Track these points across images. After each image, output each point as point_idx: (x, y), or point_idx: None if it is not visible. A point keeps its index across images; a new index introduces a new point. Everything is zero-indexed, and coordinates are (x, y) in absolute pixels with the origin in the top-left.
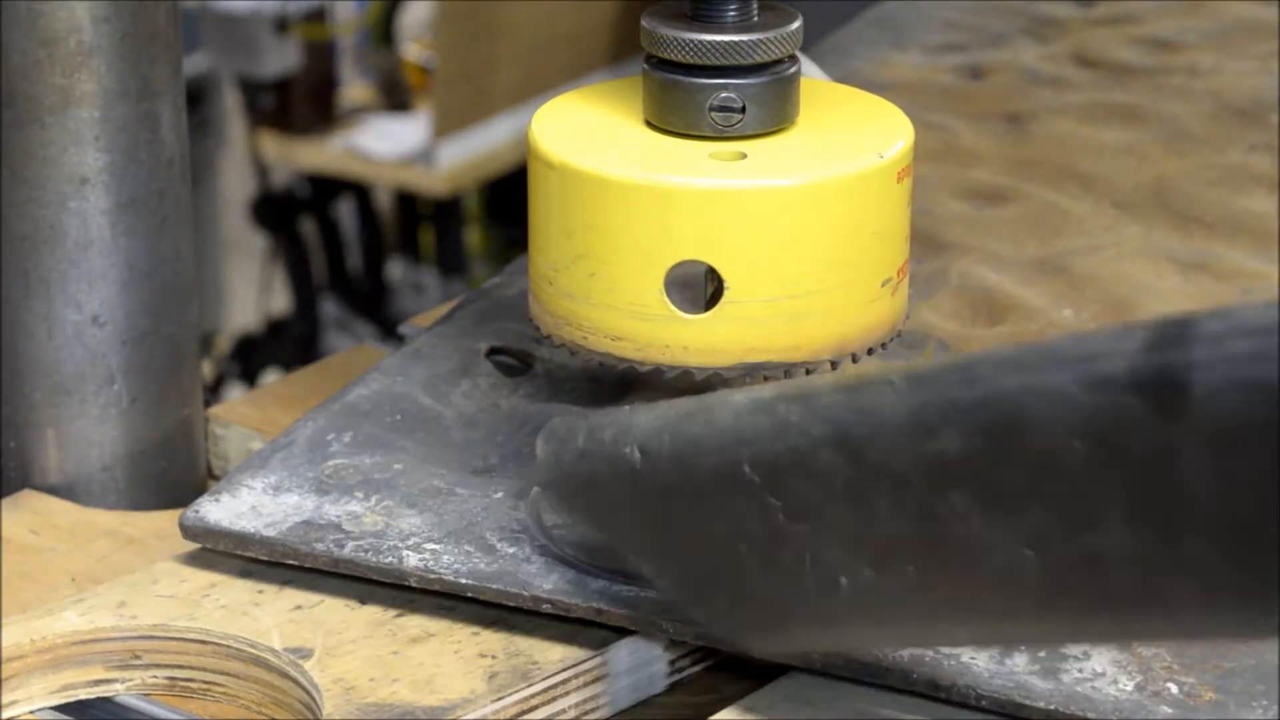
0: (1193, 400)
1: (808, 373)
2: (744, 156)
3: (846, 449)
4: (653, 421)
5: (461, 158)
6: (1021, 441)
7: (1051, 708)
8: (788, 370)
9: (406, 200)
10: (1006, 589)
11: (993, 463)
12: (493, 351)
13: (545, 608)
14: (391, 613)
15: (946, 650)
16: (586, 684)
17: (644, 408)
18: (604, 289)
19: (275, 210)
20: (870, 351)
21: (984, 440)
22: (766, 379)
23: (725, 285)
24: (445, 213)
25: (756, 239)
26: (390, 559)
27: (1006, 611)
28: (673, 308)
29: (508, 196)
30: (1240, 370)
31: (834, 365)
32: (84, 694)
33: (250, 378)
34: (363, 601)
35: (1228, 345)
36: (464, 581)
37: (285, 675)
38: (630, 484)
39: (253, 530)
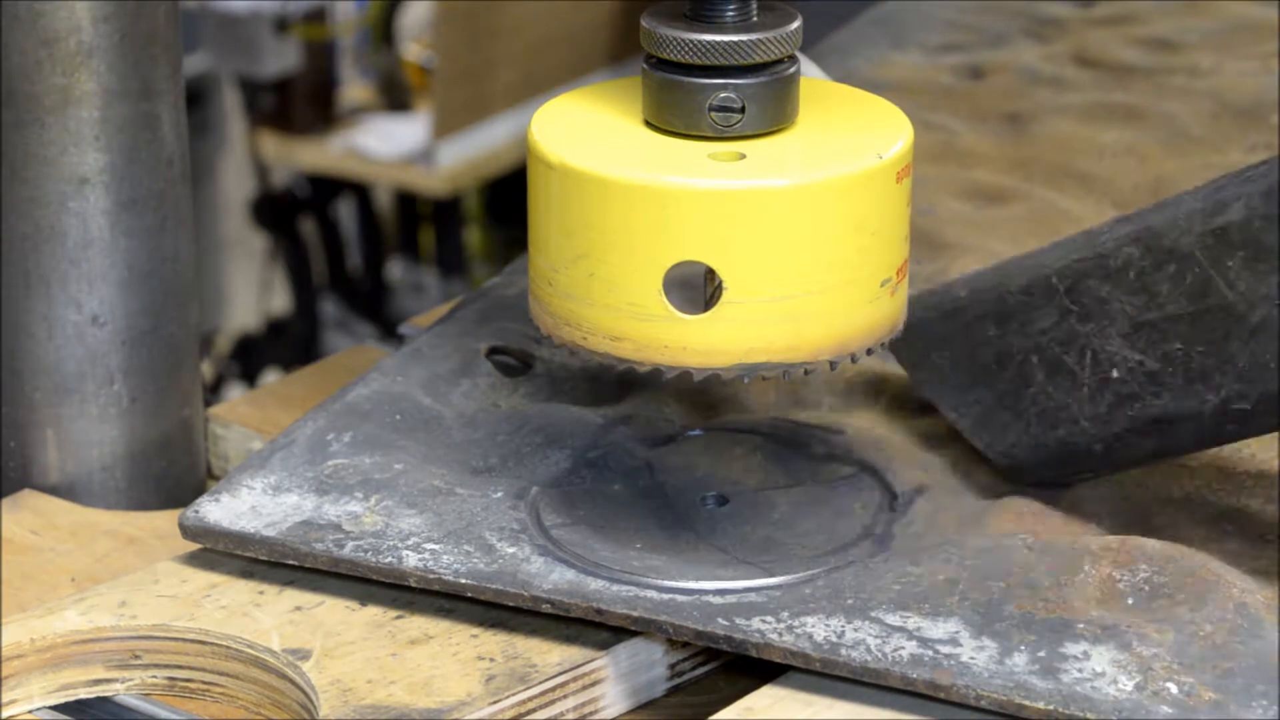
0: None
1: (806, 373)
2: (743, 157)
3: (1144, 240)
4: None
5: (461, 158)
6: None
7: (1051, 708)
8: (787, 370)
9: (406, 200)
10: (1257, 343)
11: (1266, 223)
12: (493, 351)
13: (545, 608)
14: (391, 614)
15: (946, 650)
16: (585, 687)
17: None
18: (604, 289)
19: (275, 210)
20: (870, 351)
21: (1263, 202)
22: (765, 380)
23: (725, 285)
24: (445, 213)
25: (756, 239)
26: (390, 559)
27: (1252, 368)
28: (672, 308)
29: (508, 196)
30: None
31: (833, 365)
32: (84, 693)
33: (250, 378)
34: (363, 603)
35: None
36: (464, 581)
37: (283, 676)
38: (949, 320)
39: (253, 530)
